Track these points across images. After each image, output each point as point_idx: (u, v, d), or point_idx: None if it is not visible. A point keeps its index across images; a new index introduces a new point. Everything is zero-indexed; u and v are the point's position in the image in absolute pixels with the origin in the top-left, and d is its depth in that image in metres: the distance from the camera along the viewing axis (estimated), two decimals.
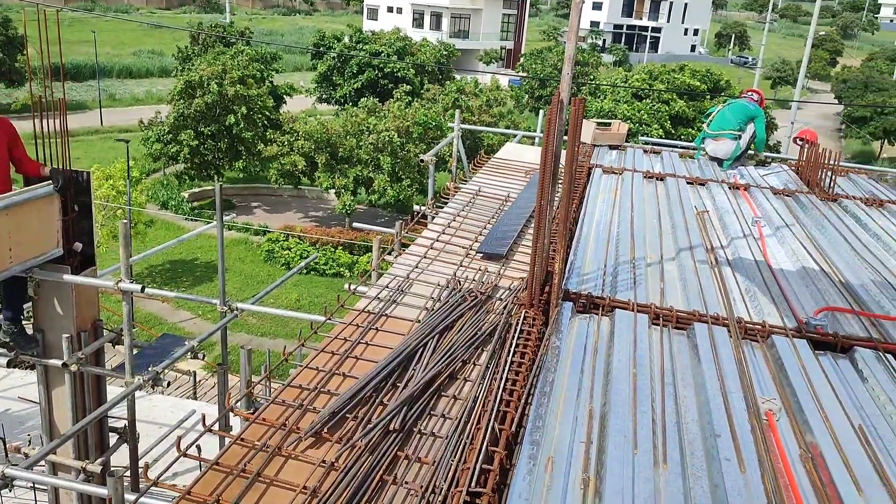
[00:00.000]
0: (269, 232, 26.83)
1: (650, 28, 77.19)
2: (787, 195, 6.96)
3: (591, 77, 46.30)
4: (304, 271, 24.58)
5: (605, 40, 75.36)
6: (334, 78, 40.40)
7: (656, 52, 74.53)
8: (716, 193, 6.73)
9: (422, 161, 7.53)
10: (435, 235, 5.21)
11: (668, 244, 5.20)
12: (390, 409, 2.85)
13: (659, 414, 3.02)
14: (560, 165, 4.06)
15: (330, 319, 3.79)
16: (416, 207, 6.74)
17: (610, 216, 5.77)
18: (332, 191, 28.24)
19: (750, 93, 8.53)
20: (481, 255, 4.89)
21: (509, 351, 3.35)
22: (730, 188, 6.99)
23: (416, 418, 2.91)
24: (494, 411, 2.86)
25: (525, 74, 49.21)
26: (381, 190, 26.76)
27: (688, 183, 7.06)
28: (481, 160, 7.72)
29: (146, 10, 76.54)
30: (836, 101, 61.26)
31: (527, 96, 47.08)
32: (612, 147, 8.57)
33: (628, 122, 31.55)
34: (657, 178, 7.16)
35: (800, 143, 8.17)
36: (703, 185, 7.10)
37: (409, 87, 34.81)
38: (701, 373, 3.35)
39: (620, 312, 3.89)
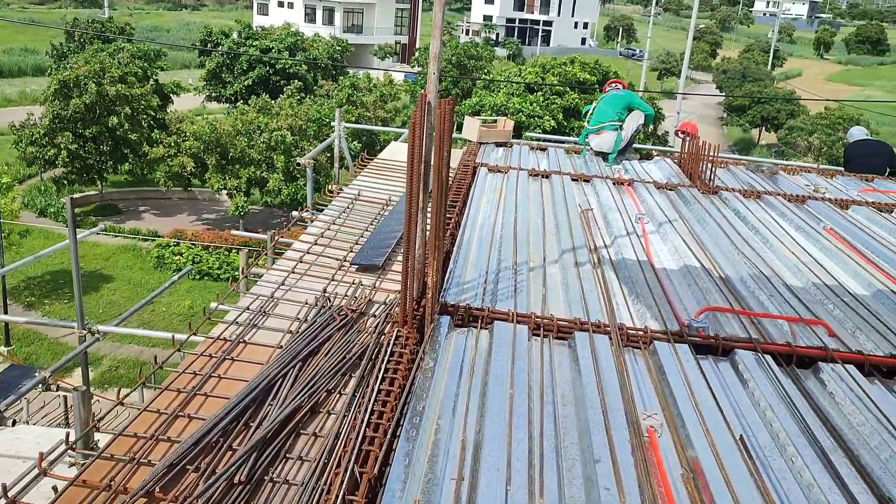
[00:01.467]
0: (158, 237, 25.63)
1: (542, 22, 78.56)
2: (669, 189, 6.97)
3: (486, 71, 46.63)
4: (197, 276, 23.62)
5: (498, 34, 76.19)
6: (224, 75, 39.03)
7: (548, 45, 75.94)
8: (600, 190, 6.66)
9: (299, 164, 7.14)
10: (307, 246, 4.87)
11: (552, 246, 5.05)
12: (238, 457, 2.53)
13: (537, 439, 2.82)
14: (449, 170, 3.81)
15: (180, 350, 3.41)
16: (294, 213, 6.37)
17: (494, 218, 5.58)
18: (225, 192, 27.24)
19: (615, 84, 8.55)
20: (356, 266, 4.59)
21: (377, 377, 3.08)
22: (614, 184, 6.95)
23: (269, 465, 2.59)
24: (356, 451, 2.58)
25: (420, 69, 49.07)
26: (275, 190, 25.97)
27: (573, 180, 6.98)
28: (364, 160, 7.41)
29: (18, 5, 72.01)
30: (718, 91, 64.13)
31: (422, 90, 46.88)
32: (498, 144, 8.42)
33: (520, 114, 31.86)
34: (543, 176, 7.04)
35: (681, 135, 8.25)
36: (587, 181, 7.03)
37: (301, 83, 33.97)
38: (581, 387, 3.17)
39: (500, 324, 3.68)
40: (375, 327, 3.66)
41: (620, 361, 3.41)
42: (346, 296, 4.08)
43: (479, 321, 3.74)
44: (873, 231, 6.03)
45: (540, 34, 78.00)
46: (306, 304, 3.96)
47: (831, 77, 79.24)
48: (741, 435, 2.94)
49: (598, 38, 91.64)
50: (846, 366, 3.54)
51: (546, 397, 3.13)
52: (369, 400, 2.90)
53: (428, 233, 3.66)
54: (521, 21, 79.95)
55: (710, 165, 7.08)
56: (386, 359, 3.27)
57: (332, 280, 4.32)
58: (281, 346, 3.45)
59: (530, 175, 7.03)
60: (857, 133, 9.11)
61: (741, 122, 55.58)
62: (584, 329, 3.70)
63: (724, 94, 56.69)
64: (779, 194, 6.93)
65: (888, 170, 8.80)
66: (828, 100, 44.11)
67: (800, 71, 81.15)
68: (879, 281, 4.83)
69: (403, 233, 5.02)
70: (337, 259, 4.65)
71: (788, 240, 5.60)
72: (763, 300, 4.32)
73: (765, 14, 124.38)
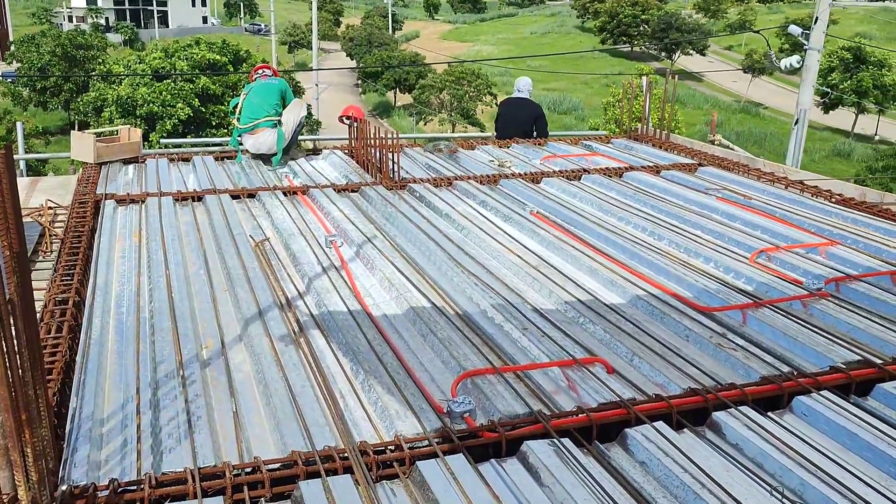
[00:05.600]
0: None
1: (155, 2, 72.84)
2: (351, 191, 5.84)
3: (101, 61, 41.54)
4: None
5: (108, 19, 69.05)
6: None
7: (168, 26, 70.81)
8: (271, 207, 5.29)
9: None
10: None
11: (228, 313, 3.60)
12: None
13: None
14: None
15: None
16: None
17: (136, 282, 3.94)
18: None
19: (262, 70, 7.16)
20: None
21: None
22: (285, 195, 5.63)
23: None
24: None
25: (20, 65, 42.28)
26: None
27: (233, 198, 5.51)
28: None
29: None
30: (349, 59, 65.43)
31: (27, 90, 40.71)
32: (126, 161, 6.57)
33: (152, 105, 28.71)
34: (194, 199, 5.47)
35: (346, 121, 7.15)
36: (252, 196, 5.61)
37: None
38: None
39: None
40: None
41: None
42: None
43: None
44: (575, 206, 5.51)
45: (156, 16, 72.27)
46: None
47: (445, 36, 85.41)
48: None
49: (219, 16, 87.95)
50: (654, 424, 2.70)
51: None
52: None
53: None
54: (133, 3, 73.28)
55: (390, 154, 6.07)
56: None
57: None
58: None
59: (177, 200, 5.41)
60: (521, 85, 8.73)
61: (377, 87, 57.26)
62: (311, 472, 2.38)
63: (360, 67, 57.95)
64: (469, 177, 6.18)
65: (535, 132, 8.50)
66: (452, 61, 47.14)
67: (417, 32, 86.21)
68: (613, 272, 4.20)
69: None
70: None
71: (503, 236, 4.80)
72: (517, 338, 3.37)
73: None
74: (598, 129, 38.37)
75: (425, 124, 49.53)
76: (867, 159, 41.75)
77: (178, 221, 4.93)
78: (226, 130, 30.08)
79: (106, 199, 5.31)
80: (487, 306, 3.67)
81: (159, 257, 4.23)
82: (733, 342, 3.35)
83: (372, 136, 6.30)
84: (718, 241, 4.76)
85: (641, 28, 68.36)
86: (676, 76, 8.06)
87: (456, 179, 6.08)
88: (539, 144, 7.73)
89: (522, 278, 4.12)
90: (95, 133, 6.45)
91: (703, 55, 66.55)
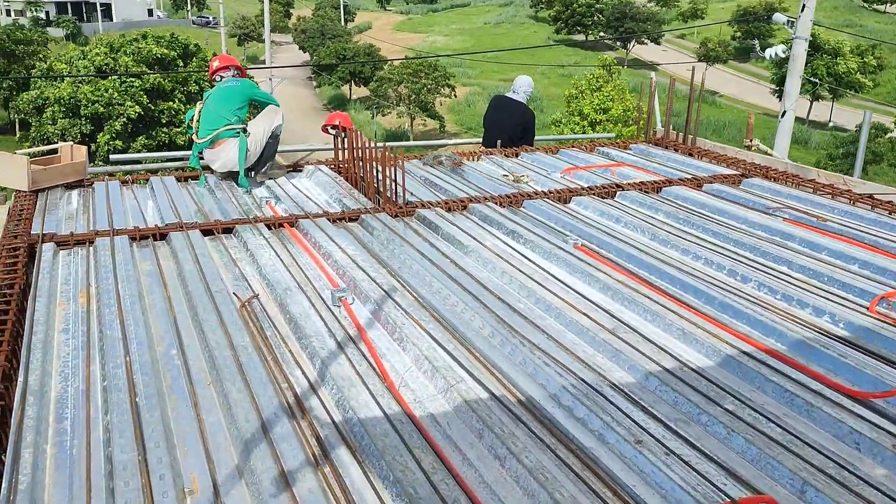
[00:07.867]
0: None
1: None
2: (350, 220, 4.82)
3: (42, 56, 39.36)
4: None
5: (48, 13, 66.11)
6: None
7: (112, 20, 68.14)
8: (255, 247, 4.24)
9: None
10: None
11: (218, 426, 2.58)
12: None
13: None
14: None
15: None
16: None
17: (86, 374, 2.88)
18: None
19: (221, 71, 5.97)
20: None
21: None
22: (269, 228, 4.58)
23: None
24: None
25: None
26: None
27: (205, 234, 4.44)
28: None
29: None
30: (301, 51, 63.79)
31: None
32: (69, 186, 5.43)
33: (96, 105, 27.02)
34: (155, 237, 4.39)
35: (333, 132, 6.11)
36: (230, 232, 4.55)
37: None
38: None
39: None
40: None
41: None
42: None
43: None
44: (624, 235, 4.58)
45: (99, 9, 69.39)
46: None
47: (398, 27, 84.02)
48: None
49: (166, 8, 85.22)
50: None
51: None
52: None
53: None
54: None
55: (394, 172, 5.05)
56: None
57: None
58: None
59: (134, 240, 4.33)
60: (518, 85, 7.70)
61: (332, 80, 55.79)
62: None
63: (315, 64, 56.53)
64: (485, 198, 5.20)
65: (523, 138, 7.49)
66: (415, 58, 46.12)
67: (370, 23, 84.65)
68: (710, 333, 3.28)
69: None
70: None
71: (554, 283, 3.83)
72: (631, 457, 2.41)
73: None
74: (560, 121, 37.76)
75: (383, 117, 48.36)
76: (825, 146, 41.87)
77: (137, 272, 3.85)
78: (177, 129, 28.56)
79: (43, 241, 4.20)
80: (571, 399, 2.70)
81: (115, 333, 3.16)
82: None
83: (365, 149, 5.27)
84: (817, 282, 3.87)
85: (596, 17, 67.95)
86: (704, 72, 7.18)
87: (470, 201, 5.10)
88: (550, 152, 6.78)
89: (599, 347, 3.17)
90: (29, 154, 5.29)
91: (658, 44, 66.46)
